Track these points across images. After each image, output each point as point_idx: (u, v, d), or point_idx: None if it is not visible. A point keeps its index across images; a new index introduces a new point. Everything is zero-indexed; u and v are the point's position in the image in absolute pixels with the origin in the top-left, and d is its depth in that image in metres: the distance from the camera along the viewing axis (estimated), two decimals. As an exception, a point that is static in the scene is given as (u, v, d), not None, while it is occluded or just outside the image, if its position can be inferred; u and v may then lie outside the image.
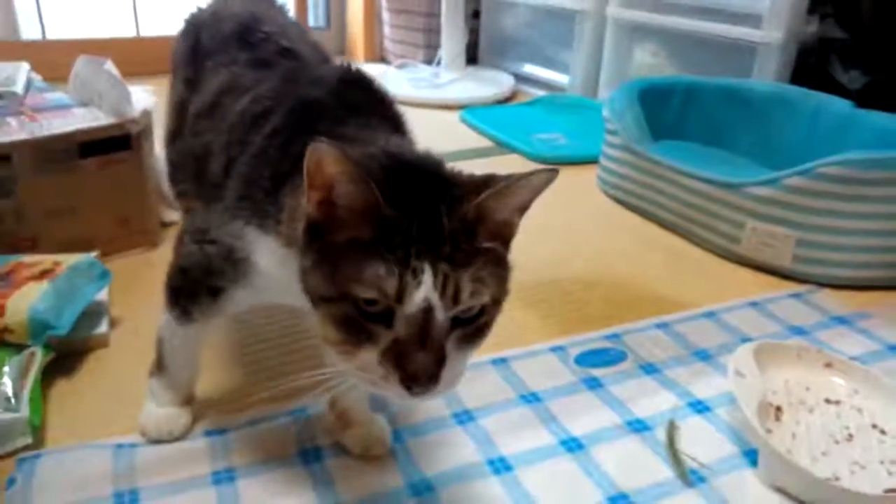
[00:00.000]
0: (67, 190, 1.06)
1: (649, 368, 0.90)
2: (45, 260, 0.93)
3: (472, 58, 2.50)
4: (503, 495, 0.69)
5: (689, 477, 0.72)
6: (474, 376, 0.85)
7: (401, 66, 2.51)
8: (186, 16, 0.92)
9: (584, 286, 1.13)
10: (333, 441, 0.74)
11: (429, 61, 2.44)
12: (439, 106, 2.11)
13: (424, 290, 0.46)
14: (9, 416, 0.72)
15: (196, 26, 0.87)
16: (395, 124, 0.66)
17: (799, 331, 1.00)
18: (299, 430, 0.76)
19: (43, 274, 0.89)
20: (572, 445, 0.76)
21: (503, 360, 0.89)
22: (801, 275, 1.14)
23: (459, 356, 0.50)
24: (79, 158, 1.07)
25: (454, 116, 2.04)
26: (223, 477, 0.69)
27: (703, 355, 0.93)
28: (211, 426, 0.76)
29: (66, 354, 0.86)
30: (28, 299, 0.83)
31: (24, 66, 1.34)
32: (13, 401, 0.73)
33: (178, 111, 0.85)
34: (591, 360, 0.91)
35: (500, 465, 0.72)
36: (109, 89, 1.13)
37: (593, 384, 0.86)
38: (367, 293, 0.47)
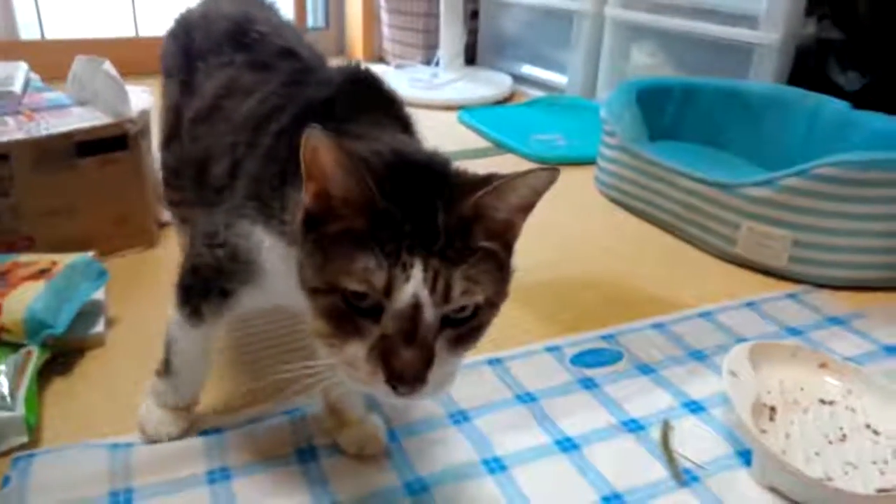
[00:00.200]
0: (65, 189, 1.07)
1: (645, 368, 0.90)
2: (42, 259, 0.94)
3: (470, 58, 2.50)
4: (498, 495, 0.69)
5: (683, 476, 0.72)
6: (469, 376, 0.85)
7: (399, 67, 2.51)
8: (175, 16, 0.91)
9: (581, 286, 1.13)
10: (329, 440, 0.74)
11: (427, 62, 2.45)
12: (437, 106, 2.11)
13: (413, 286, 0.46)
14: (5, 414, 0.72)
15: (186, 27, 0.86)
16: (404, 125, 0.66)
17: (794, 331, 1.00)
18: (295, 430, 0.76)
19: (40, 273, 0.90)
20: (567, 445, 0.76)
21: (499, 360, 0.90)
22: (797, 275, 1.14)
23: (449, 358, 0.49)
24: (76, 158, 1.07)
25: (452, 117, 2.04)
26: (218, 476, 0.69)
27: (699, 355, 0.93)
28: (206, 425, 0.76)
29: (62, 353, 0.86)
30: (25, 298, 0.84)
31: (23, 66, 1.34)
32: (9, 400, 0.73)
33: (173, 114, 0.85)
34: (586, 360, 0.91)
35: (495, 465, 0.73)
36: (107, 89, 1.13)
37: (588, 384, 0.86)
38: (356, 286, 0.46)
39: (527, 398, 0.83)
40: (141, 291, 1.03)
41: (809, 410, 0.80)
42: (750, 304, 1.07)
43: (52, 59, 1.44)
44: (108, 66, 1.15)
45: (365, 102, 0.64)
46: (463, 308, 0.49)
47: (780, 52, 1.58)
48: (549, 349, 0.93)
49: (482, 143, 1.84)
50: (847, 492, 0.68)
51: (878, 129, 1.29)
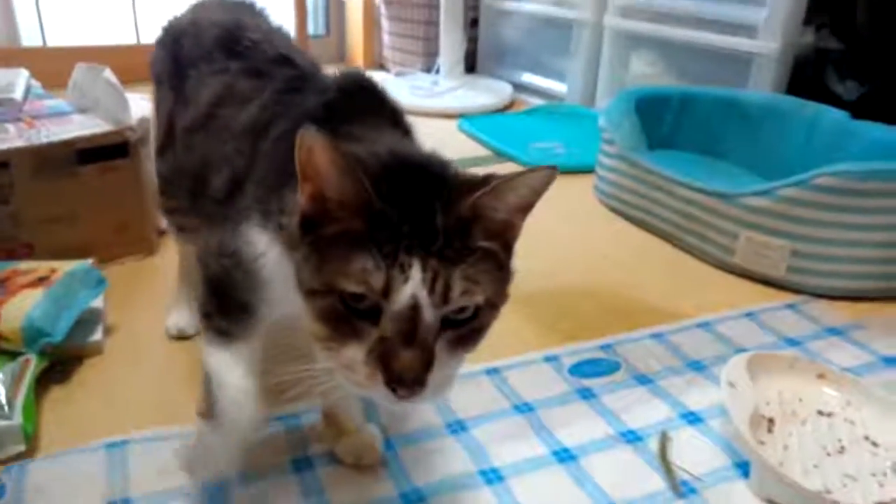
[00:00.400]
0: (65, 197, 1.07)
1: (643, 379, 0.90)
2: (41, 266, 0.94)
3: (470, 66, 2.51)
4: (495, 506, 0.69)
5: (681, 488, 0.72)
6: (467, 385, 0.85)
7: (399, 74, 2.52)
8: (164, 23, 0.90)
9: (579, 295, 1.13)
10: (325, 449, 0.74)
11: (427, 69, 2.45)
12: (437, 114, 2.11)
13: (412, 286, 0.45)
14: (2, 423, 0.72)
15: (176, 34, 0.85)
16: (404, 131, 0.65)
17: (793, 341, 1.00)
18: (290, 438, 0.76)
19: (39, 281, 0.90)
20: (564, 456, 0.76)
21: (496, 370, 0.89)
22: (796, 285, 1.14)
23: (450, 360, 0.48)
24: (77, 165, 1.07)
25: (452, 125, 2.04)
26: (215, 485, 0.69)
27: (697, 366, 0.93)
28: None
29: (60, 361, 0.86)
30: (24, 306, 0.84)
31: (24, 73, 1.35)
32: (6, 408, 0.73)
33: (165, 122, 0.84)
34: (584, 371, 0.91)
35: (493, 476, 0.73)
36: (108, 97, 1.14)
37: (586, 394, 0.86)
38: (353, 287, 0.46)
39: (524, 408, 0.83)
40: (140, 299, 1.03)
41: (808, 422, 0.80)
42: (748, 315, 1.07)
43: (54, 66, 1.44)
44: (108, 73, 1.16)
45: (364, 108, 0.63)
46: (463, 309, 0.48)
47: (778, 61, 1.59)
48: (547, 359, 0.93)
49: (482, 152, 1.84)
50: (845, 504, 0.68)
51: (876, 139, 1.29)
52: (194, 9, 0.90)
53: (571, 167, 1.67)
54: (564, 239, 1.34)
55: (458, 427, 0.79)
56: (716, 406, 0.83)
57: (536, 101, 2.28)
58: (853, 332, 1.02)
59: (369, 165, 0.48)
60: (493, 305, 0.50)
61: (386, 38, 2.69)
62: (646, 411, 0.83)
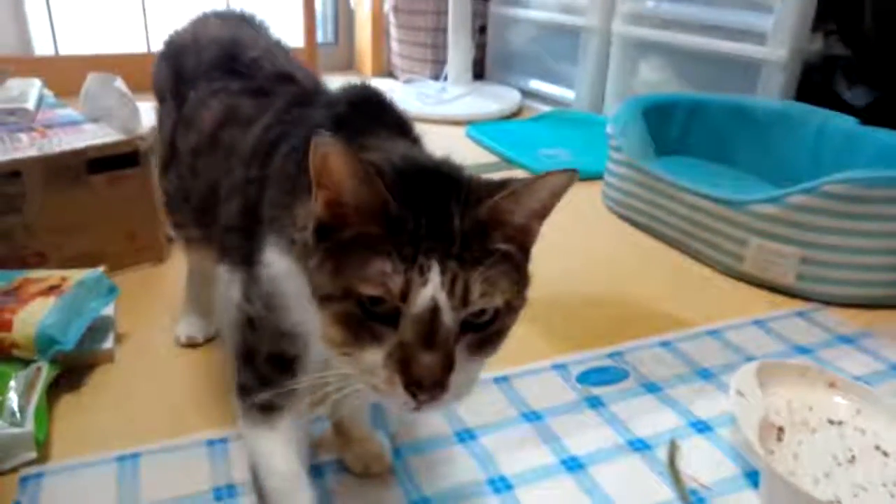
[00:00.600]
0: (76, 206, 1.08)
1: (651, 387, 0.90)
2: (52, 275, 0.94)
3: (478, 73, 2.52)
4: (503, 515, 0.69)
5: (690, 497, 0.72)
6: (475, 394, 0.84)
7: (408, 82, 2.53)
8: (166, 37, 0.89)
9: (587, 303, 1.13)
10: (334, 457, 0.74)
11: (436, 76, 2.46)
12: (445, 121, 2.12)
13: (431, 289, 0.45)
14: (14, 430, 0.72)
15: (177, 50, 0.85)
16: (414, 141, 0.65)
17: (803, 349, 0.99)
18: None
19: (51, 289, 0.90)
20: (573, 465, 0.76)
21: (505, 378, 0.90)
22: (806, 293, 1.14)
23: (470, 364, 0.48)
24: (88, 175, 1.08)
25: (460, 132, 2.05)
26: (224, 493, 0.69)
27: (706, 374, 0.93)
28: (213, 436, 0.77)
29: (71, 369, 0.87)
30: (36, 315, 0.84)
31: (37, 83, 1.36)
32: (18, 415, 0.74)
33: (168, 140, 0.83)
34: (592, 379, 0.91)
35: (501, 484, 0.73)
36: (119, 106, 1.15)
37: (595, 403, 0.86)
38: (372, 290, 0.45)
39: (533, 417, 0.83)
40: (150, 307, 1.04)
41: (818, 431, 0.79)
42: (757, 322, 1.06)
43: (66, 75, 1.46)
44: (119, 82, 1.17)
45: (374, 120, 0.63)
46: (483, 312, 0.47)
47: (787, 68, 1.59)
48: (556, 367, 0.93)
49: (490, 158, 1.85)
50: (856, 515, 0.67)
51: (886, 145, 1.29)
52: (195, 24, 0.89)
53: (580, 174, 1.66)
54: (572, 246, 1.34)
55: (466, 435, 0.79)
56: (725, 415, 0.83)
57: (544, 108, 2.29)
58: (863, 340, 1.02)
59: (385, 170, 0.48)
60: (512, 308, 0.50)
61: (394, 45, 2.71)
62: (654, 420, 0.83)
